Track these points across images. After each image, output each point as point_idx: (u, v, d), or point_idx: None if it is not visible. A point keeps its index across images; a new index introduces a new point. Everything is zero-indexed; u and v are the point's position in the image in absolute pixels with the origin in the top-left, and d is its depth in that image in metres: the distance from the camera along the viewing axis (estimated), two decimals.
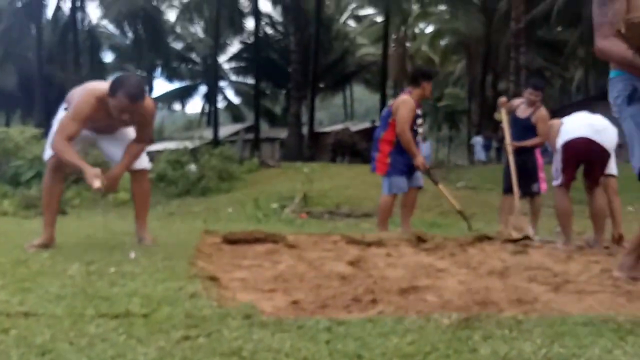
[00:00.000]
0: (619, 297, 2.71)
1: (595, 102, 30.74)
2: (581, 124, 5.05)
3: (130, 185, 4.42)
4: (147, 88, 4.07)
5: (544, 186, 6.49)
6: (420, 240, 5.01)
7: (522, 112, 6.44)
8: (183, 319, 2.06)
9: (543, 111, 6.32)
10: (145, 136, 4.20)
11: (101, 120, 3.96)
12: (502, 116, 6.46)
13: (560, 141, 5.08)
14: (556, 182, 5.18)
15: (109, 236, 4.77)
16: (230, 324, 1.99)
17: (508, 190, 6.28)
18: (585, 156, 5.05)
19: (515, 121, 6.47)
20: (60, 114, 4.10)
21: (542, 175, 6.50)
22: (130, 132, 4.22)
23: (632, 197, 13.58)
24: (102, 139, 4.27)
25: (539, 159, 6.56)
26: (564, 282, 3.08)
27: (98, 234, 4.93)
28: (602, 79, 38.35)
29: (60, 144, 3.79)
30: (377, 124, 6.49)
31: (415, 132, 6.01)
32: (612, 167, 5.46)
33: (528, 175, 6.33)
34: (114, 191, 4.36)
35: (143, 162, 4.34)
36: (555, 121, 5.50)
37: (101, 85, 3.94)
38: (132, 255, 3.50)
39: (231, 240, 4.79)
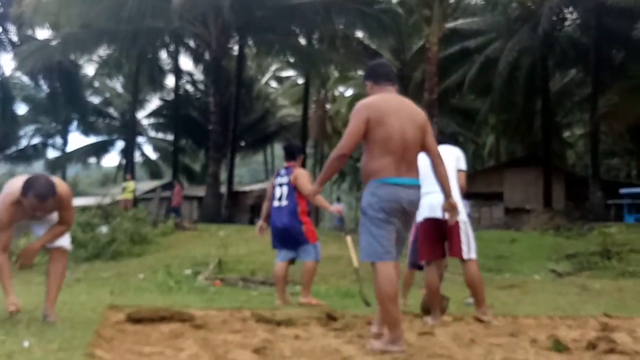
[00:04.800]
0: None
1: (506, 168, 32.32)
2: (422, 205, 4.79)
3: (47, 263, 4.46)
4: (53, 188, 4.36)
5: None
6: (330, 318, 5.01)
7: None
8: None
9: None
10: (68, 219, 4.40)
11: (24, 216, 4.21)
12: None
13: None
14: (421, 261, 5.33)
15: (5, 315, 4.52)
16: None
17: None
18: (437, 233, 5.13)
19: None
20: None
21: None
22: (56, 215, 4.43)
23: (538, 266, 14.16)
24: (34, 224, 4.47)
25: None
26: None
27: None
28: (512, 145, 40.33)
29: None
30: None
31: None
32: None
33: None
34: (29, 264, 4.46)
35: (62, 241, 4.44)
36: None
37: (17, 186, 4.09)
38: (26, 344, 3.37)
39: (135, 319, 4.65)
